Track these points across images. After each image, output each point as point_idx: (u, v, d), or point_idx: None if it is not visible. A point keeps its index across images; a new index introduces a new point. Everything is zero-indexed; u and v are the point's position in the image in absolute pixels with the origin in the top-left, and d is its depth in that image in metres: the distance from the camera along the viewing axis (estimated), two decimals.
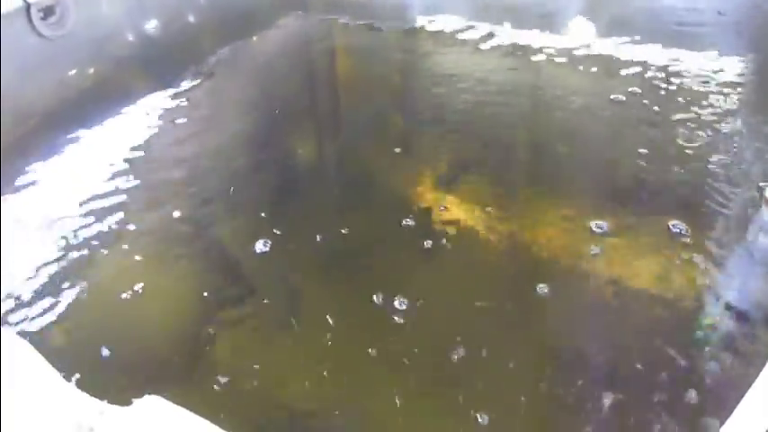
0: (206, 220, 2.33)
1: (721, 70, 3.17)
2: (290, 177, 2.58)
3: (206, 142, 2.85)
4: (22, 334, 1.77)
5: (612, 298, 1.88)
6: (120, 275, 2.06)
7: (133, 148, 2.83)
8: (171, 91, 3.35)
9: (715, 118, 2.77)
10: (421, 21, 4.06)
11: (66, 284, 2.02)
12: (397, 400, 1.57)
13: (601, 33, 3.70)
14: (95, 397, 1.14)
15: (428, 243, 2.11)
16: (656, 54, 3.38)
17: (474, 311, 1.85)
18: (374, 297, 1.89)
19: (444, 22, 3.99)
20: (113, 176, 2.62)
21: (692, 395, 1.57)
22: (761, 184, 2.30)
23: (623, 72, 3.23)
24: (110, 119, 3.12)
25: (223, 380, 1.66)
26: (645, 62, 3.30)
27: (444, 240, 2.13)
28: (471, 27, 3.89)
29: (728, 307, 1.85)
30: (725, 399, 1.44)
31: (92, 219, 2.35)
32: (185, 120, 3.06)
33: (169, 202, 2.43)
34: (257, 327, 1.85)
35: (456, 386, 1.62)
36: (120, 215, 2.36)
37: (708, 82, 3.06)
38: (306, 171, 2.63)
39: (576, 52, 3.47)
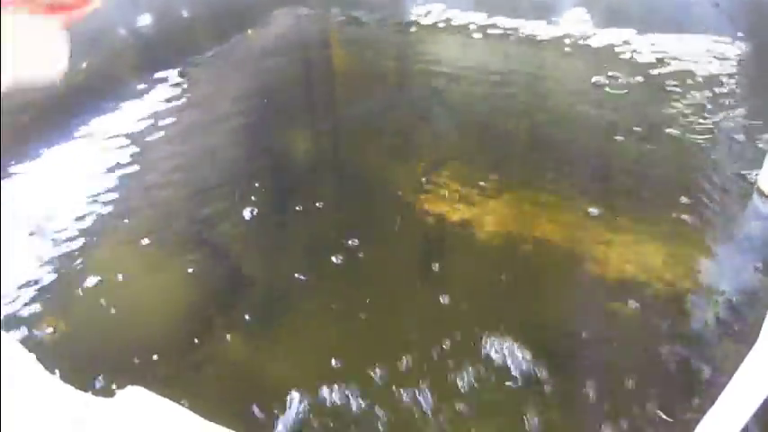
0: (202, 214, 2.33)
1: (716, 59, 3.16)
2: (286, 171, 2.57)
3: (201, 136, 2.85)
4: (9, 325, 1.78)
5: (607, 285, 1.88)
6: (113, 270, 2.06)
7: (126, 142, 2.82)
8: (164, 85, 3.34)
9: (708, 107, 2.76)
10: (416, 13, 4.05)
11: (57, 279, 2.03)
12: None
13: (596, 23, 3.68)
14: (80, 390, 1.14)
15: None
16: (651, 43, 3.37)
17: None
18: (372, 295, 1.90)
19: (438, 14, 3.98)
20: (106, 171, 2.61)
21: (680, 386, 1.57)
22: (752, 172, 2.29)
23: (617, 60, 3.22)
24: (102, 112, 3.11)
25: (212, 374, 1.66)
26: (640, 51, 3.29)
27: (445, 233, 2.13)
28: (466, 18, 3.87)
29: (720, 296, 1.85)
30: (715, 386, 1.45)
31: (83, 213, 2.34)
32: (179, 113, 3.05)
33: (164, 195, 2.43)
34: (252, 321, 1.84)
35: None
36: (113, 209, 2.36)
37: (697, 71, 3.06)
38: (302, 164, 2.62)
39: (570, 41, 3.46)
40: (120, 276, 2.02)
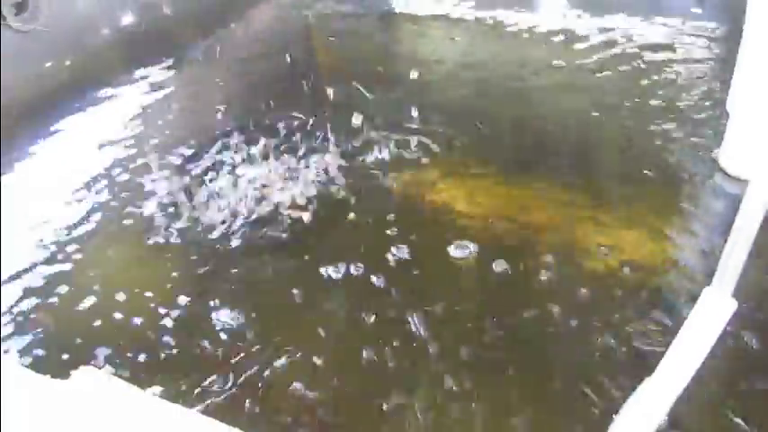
0: (193, 208, 2.38)
1: (691, 37, 3.19)
2: (279, 163, 2.60)
3: (186, 131, 2.90)
4: None
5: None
6: (100, 264, 2.14)
7: (112, 139, 2.88)
8: (148, 81, 3.40)
9: (680, 87, 2.80)
10: (397, 4, 4.07)
11: (45, 274, 2.10)
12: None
13: (575, 7, 3.70)
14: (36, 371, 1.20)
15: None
16: (624, 26, 3.40)
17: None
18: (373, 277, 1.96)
19: (420, 5, 4.00)
20: (93, 167, 2.68)
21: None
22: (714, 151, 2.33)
23: (597, 47, 3.25)
24: (88, 109, 3.17)
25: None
26: (616, 35, 3.31)
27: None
28: (448, 8, 3.90)
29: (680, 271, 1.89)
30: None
31: (70, 211, 2.41)
32: (164, 108, 3.11)
33: (151, 192, 2.49)
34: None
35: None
36: (99, 207, 2.42)
37: (670, 53, 3.08)
38: (289, 153, 2.66)
39: (549, 28, 3.48)
40: (100, 270, 2.09)
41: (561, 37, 3.36)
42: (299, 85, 3.20)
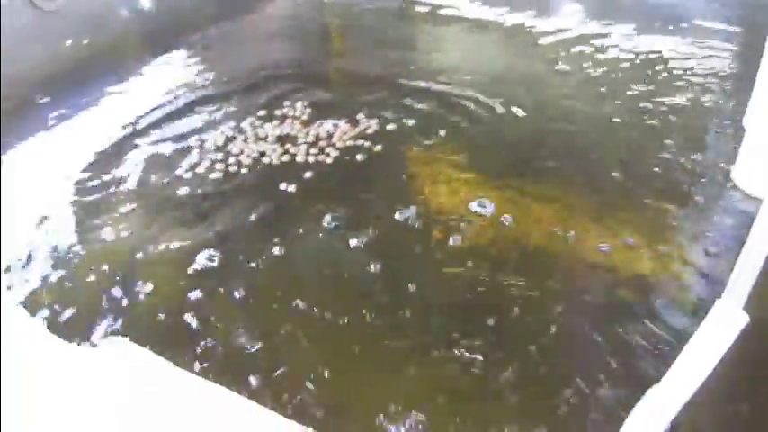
0: (205, 190, 2.42)
1: (709, 50, 3.20)
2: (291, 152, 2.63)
3: (202, 115, 2.92)
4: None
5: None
6: (117, 237, 2.17)
7: (128, 121, 2.91)
8: (165, 64, 3.42)
9: (697, 99, 2.82)
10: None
11: (58, 245, 2.13)
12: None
13: (590, 16, 3.71)
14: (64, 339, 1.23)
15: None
16: (641, 35, 3.41)
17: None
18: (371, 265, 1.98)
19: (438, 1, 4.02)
20: (107, 147, 2.70)
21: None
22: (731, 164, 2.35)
23: (609, 53, 3.26)
24: (105, 90, 3.19)
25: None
26: (630, 44, 3.33)
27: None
28: (464, 7, 3.91)
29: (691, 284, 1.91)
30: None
31: (83, 189, 2.44)
32: (180, 92, 3.12)
33: (165, 175, 2.52)
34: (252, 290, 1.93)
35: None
36: (112, 188, 2.45)
37: (687, 63, 3.10)
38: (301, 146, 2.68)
39: (562, 33, 3.50)
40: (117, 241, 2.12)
41: (579, 46, 3.38)
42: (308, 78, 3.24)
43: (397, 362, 1.65)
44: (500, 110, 2.81)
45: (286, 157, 2.56)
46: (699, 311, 1.74)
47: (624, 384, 1.59)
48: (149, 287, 1.86)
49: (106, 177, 2.50)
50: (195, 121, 2.89)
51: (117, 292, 1.84)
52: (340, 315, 1.79)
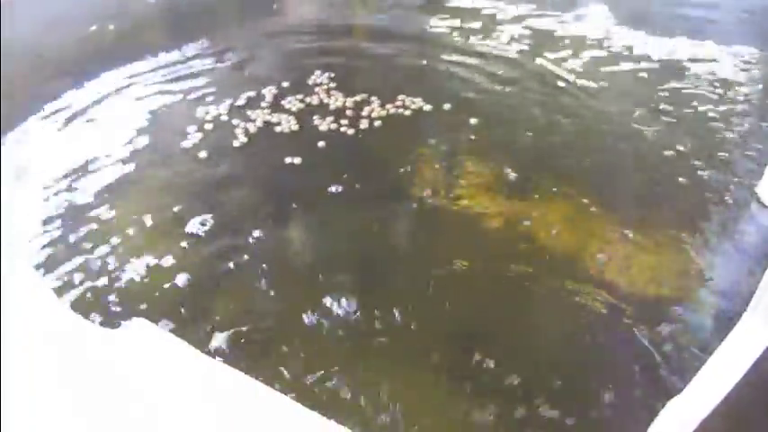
0: (219, 176, 2.43)
1: (735, 67, 3.17)
2: (310, 145, 2.64)
3: (221, 105, 2.92)
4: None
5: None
6: (125, 217, 2.17)
7: (148, 107, 2.91)
8: (187, 52, 3.42)
9: (720, 113, 2.79)
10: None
11: (73, 223, 2.14)
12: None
13: (619, 22, 3.68)
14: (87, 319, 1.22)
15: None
16: (670, 46, 3.38)
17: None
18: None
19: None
20: (125, 131, 2.71)
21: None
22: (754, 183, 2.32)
23: (635, 62, 3.23)
24: (125, 74, 3.20)
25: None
26: (658, 54, 3.30)
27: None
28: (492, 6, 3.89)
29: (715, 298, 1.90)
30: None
31: (100, 171, 2.45)
32: (199, 81, 3.13)
33: (180, 160, 2.52)
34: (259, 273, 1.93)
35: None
36: (129, 169, 2.46)
37: (712, 77, 3.07)
38: (323, 143, 2.68)
39: (591, 39, 3.47)
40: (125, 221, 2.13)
41: (602, 51, 3.35)
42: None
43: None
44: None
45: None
46: (723, 326, 1.72)
47: (646, 395, 1.58)
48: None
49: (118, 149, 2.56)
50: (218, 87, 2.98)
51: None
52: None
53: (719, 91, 2.94)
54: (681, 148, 2.56)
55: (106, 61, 3.22)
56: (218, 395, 1.15)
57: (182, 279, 1.83)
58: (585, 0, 3.98)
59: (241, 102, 2.89)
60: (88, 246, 2.01)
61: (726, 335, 1.53)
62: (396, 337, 1.72)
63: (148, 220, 2.14)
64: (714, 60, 3.21)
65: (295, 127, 2.70)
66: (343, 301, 1.82)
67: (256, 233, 2.09)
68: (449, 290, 1.90)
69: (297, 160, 2.50)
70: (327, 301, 1.81)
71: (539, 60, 3.27)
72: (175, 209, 2.21)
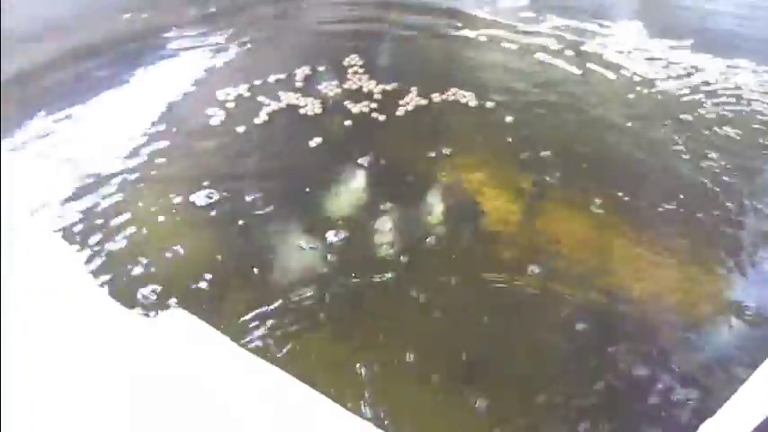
0: (240, 166, 2.43)
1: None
2: (333, 134, 2.64)
3: (245, 92, 2.94)
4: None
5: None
6: (149, 203, 2.17)
7: (173, 93, 2.92)
8: (214, 41, 3.44)
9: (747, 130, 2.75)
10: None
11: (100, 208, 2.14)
12: None
13: (651, 34, 3.65)
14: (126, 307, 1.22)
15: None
16: (701, 63, 3.35)
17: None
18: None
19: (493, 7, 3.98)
20: (149, 117, 2.72)
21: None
22: None
23: (666, 74, 3.20)
24: (156, 61, 3.23)
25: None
26: (694, 66, 3.27)
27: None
28: (520, 14, 3.88)
29: (740, 311, 1.87)
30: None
31: (125, 154, 2.46)
32: (227, 69, 3.15)
33: (202, 144, 2.54)
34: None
35: None
36: (153, 151, 2.47)
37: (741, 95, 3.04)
38: (348, 135, 2.68)
39: (623, 51, 3.44)
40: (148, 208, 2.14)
41: (632, 62, 3.32)
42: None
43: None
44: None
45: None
46: (759, 350, 1.69)
47: (680, 416, 1.56)
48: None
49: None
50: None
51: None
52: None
53: (755, 114, 2.90)
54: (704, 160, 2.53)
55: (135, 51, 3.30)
56: (254, 390, 1.15)
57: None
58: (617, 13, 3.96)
59: (270, 81, 2.94)
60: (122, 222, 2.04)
61: (763, 359, 1.50)
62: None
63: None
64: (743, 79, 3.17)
65: (318, 110, 2.74)
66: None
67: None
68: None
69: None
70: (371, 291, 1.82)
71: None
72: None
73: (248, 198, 2.17)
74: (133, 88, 2.98)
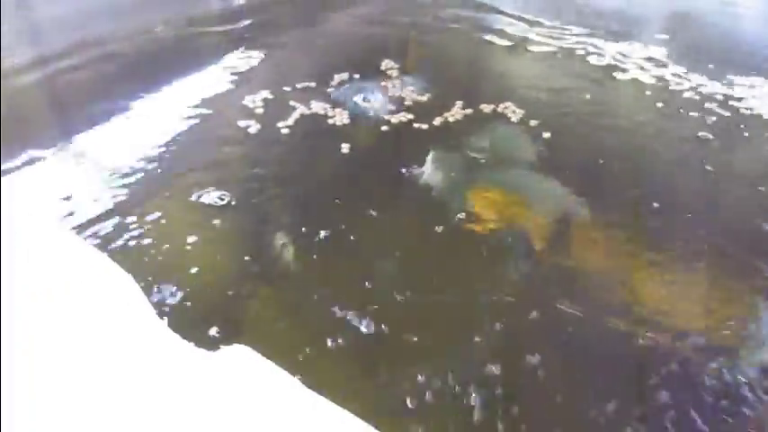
0: (267, 178, 2.47)
1: None
2: (359, 144, 2.70)
3: (272, 106, 2.98)
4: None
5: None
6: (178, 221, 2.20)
7: (201, 104, 2.98)
8: (242, 56, 3.49)
9: None
10: (496, 23, 4.07)
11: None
12: None
13: (674, 57, 3.65)
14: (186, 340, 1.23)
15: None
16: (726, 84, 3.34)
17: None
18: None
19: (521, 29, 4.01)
20: (176, 129, 2.78)
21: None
22: None
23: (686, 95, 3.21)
24: (184, 74, 3.28)
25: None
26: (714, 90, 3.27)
27: None
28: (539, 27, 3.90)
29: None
30: None
31: (152, 165, 2.50)
32: (253, 84, 3.19)
33: (229, 157, 2.59)
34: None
35: None
36: (180, 166, 2.50)
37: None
38: (373, 153, 2.71)
39: (645, 71, 3.45)
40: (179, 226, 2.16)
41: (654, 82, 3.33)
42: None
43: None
44: None
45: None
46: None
47: None
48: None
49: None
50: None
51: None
52: None
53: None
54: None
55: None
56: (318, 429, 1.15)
57: None
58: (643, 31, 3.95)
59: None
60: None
61: None
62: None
63: None
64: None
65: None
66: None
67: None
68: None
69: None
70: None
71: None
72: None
73: (289, 219, 2.20)
74: (164, 96, 3.06)
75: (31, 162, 2.52)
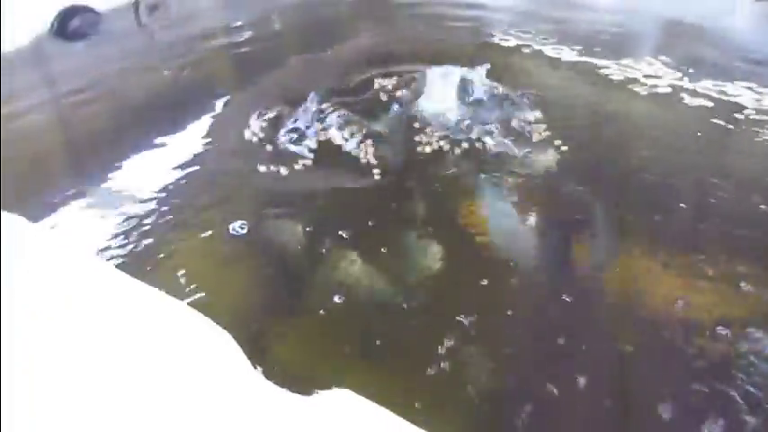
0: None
1: None
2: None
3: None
4: None
5: None
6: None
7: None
8: (253, 90, 3.46)
9: None
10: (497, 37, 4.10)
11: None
12: None
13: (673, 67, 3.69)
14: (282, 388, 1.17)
15: None
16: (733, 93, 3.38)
17: None
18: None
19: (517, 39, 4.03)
20: (184, 167, 2.79)
21: None
22: None
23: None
24: (194, 117, 3.23)
25: None
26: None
27: None
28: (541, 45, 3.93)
29: None
30: None
31: (164, 209, 2.50)
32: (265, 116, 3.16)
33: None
34: None
35: None
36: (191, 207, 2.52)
37: None
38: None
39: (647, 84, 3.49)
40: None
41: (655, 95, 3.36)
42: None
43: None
44: None
45: None
46: None
47: None
48: None
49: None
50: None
51: None
52: None
53: None
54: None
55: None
56: None
57: None
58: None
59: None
60: None
61: None
62: None
63: None
64: None
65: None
66: None
67: None
68: None
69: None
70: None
71: None
72: None
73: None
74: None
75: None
